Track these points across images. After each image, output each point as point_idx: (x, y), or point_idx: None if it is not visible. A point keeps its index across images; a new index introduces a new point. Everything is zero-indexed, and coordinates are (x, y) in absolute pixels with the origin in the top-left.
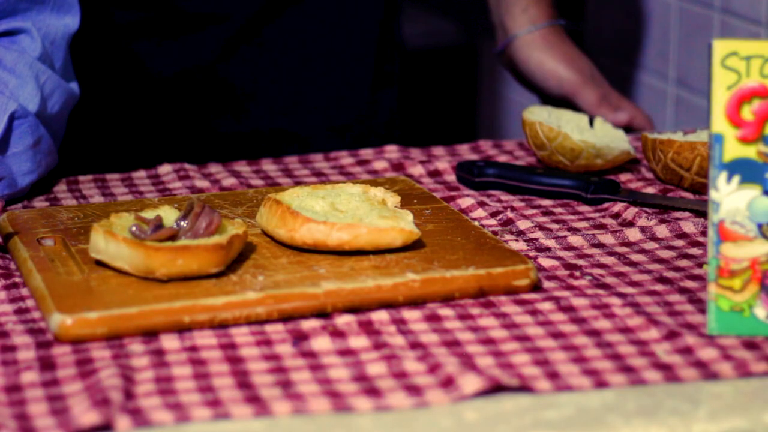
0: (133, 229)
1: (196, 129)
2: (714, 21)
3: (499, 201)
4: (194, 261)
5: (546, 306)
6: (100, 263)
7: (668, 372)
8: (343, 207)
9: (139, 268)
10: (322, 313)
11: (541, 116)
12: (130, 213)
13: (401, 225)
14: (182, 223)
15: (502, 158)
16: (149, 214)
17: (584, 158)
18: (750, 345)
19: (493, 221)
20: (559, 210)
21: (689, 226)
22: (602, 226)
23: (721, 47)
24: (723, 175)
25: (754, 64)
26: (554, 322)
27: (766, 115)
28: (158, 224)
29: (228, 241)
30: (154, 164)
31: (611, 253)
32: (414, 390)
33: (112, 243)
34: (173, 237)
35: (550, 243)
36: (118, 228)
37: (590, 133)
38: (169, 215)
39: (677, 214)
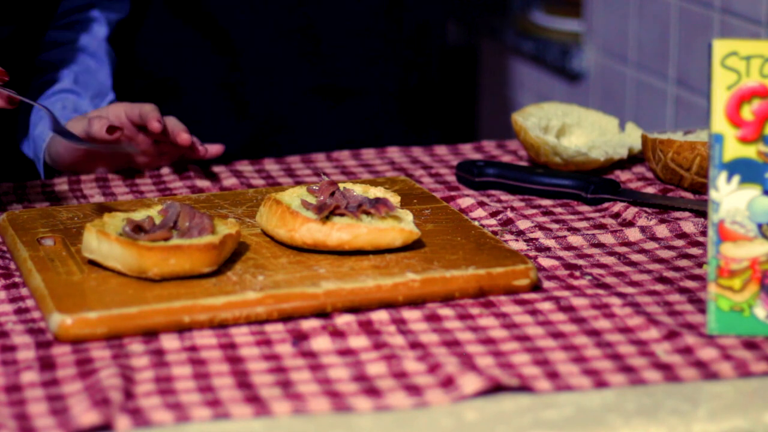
0: (126, 228)
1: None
2: (714, 21)
3: (499, 201)
4: (187, 260)
5: (546, 306)
6: (93, 263)
7: (668, 372)
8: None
9: (132, 267)
10: (322, 313)
11: (538, 115)
12: (123, 212)
13: (401, 225)
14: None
15: (506, 158)
16: (140, 215)
17: (543, 155)
18: (750, 345)
19: (493, 221)
20: (559, 210)
21: (689, 226)
22: (602, 226)
23: (721, 47)
24: (723, 175)
25: (754, 64)
26: (554, 322)
27: (766, 115)
28: (154, 225)
29: (221, 240)
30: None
31: (611, 253)
32: (414, 390)
33: (104, 242)
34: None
35: (550, 243)
36: (110, 227)
37: (582, 133)
38: (160, 216)
39: (677, 214)
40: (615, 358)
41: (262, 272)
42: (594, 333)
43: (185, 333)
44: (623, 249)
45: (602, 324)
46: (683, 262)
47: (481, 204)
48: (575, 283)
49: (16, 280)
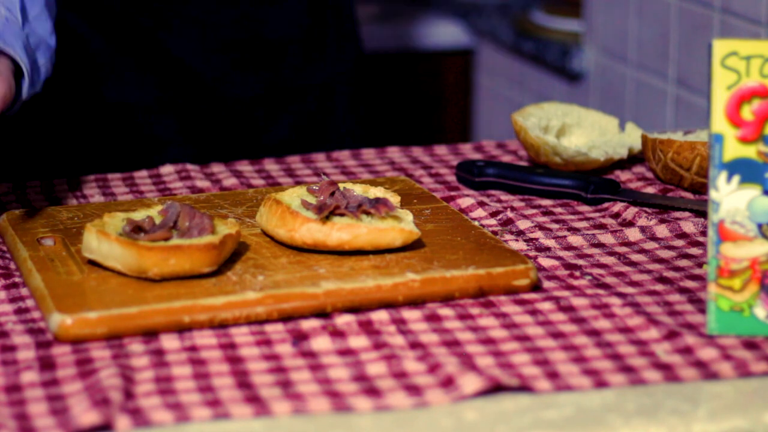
0: (126, 228)
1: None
2: (714, 21)
3: (499, 201)
4: (187, 260)
5: (546, 306)
6: (93, 263)
7: (668, 372)
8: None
9: (132, 267)
10: (322, 313)
11: (538, 115)
12: (123, 212)
13: (401, 225)
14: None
15: (506, 158)
16: (140, 215)
17: (543, 155)
18: (750, 345)
19: (493, 221)
20: (559, 210)
21: (689, 226)
22: (602, 226)
23: (721, 47)
24: (723, 175)
25: (754, 64)
26: (554, 322)
27: (766, 114)
28: (154, 225)
29: (221, 240)
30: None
31: (611, 253)
32: (414, 390)
33: (104, 242)
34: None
35: (550, 243)
36: (110, 227)
37: (582, 133)
38: (160, 216)
39: (677, 214)
40: (615, 358)
41: (262, 272)
42: (594, 333)
43: (185, 333)
44: (623, 249)
45: (602, 324)
46: (683, 262)
47: (481, 204)
48: (575, 283)
49: (16, 280)
